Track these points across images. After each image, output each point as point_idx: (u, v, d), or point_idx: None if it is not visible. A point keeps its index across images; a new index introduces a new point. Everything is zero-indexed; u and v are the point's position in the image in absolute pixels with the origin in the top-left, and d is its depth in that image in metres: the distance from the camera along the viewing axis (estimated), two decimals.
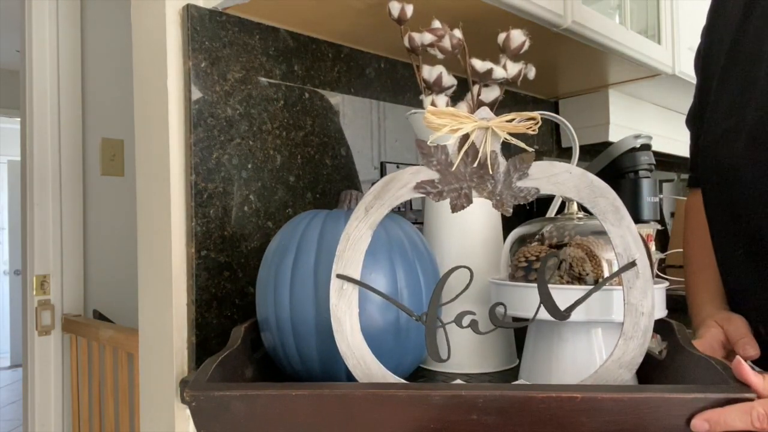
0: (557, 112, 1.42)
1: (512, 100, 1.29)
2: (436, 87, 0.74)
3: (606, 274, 0.59)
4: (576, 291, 0.54)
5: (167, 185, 0.75)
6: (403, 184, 0.51)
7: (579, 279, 0.59)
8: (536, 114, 0.51)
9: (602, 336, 0.60)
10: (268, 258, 0.62)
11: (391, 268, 0.58)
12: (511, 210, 0.51)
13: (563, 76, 1.24)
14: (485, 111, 0.52)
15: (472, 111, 0.73)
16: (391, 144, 1.01)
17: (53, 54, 1.60)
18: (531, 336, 0.65)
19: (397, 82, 1.02)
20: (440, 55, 0.74)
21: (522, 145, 0.51)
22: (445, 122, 0.49)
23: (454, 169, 0.50)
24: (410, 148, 1.05)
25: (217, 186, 0.77)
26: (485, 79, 0.74)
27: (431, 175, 0.51)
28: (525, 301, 0.58)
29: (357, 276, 0.50)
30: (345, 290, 0.50)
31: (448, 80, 0.74)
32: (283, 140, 0.85)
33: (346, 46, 0.94)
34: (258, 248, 0.80)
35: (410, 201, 1.04)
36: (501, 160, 0.51)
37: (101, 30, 1.77)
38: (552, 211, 0.81)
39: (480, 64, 0.73)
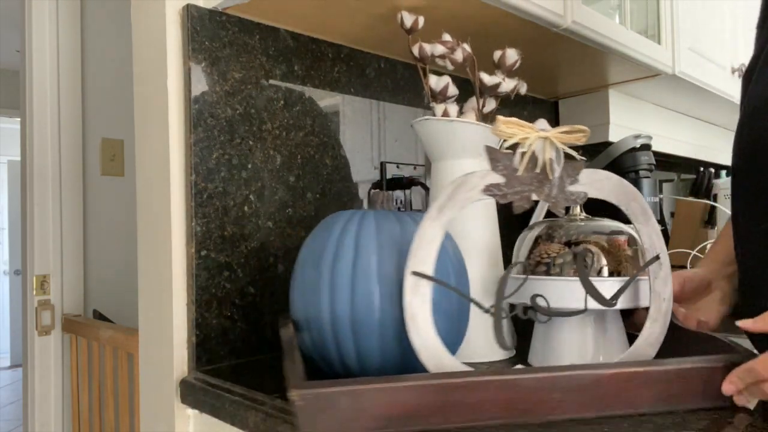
0: (557, 112, 1.42)
1: (512, 100, 1.29)
2: (441, 96, 0.77)
3: (624, 266, 0.67)
4: (605, 282, 0.62)
5: (167, 185, 0.75)
6: (472, 187, 0.55)
7: (597, 272, 0.66)
8: (586, 128, 0.57)
9: (594, 322, 0.67)
10: (313, 259, 0.60)
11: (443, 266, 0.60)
12: (563, 211, 0.58)
13: (563, 76, 1.24)
14: (543, 123, 0.60)
15: (479, 119, 0.77)
16: (391, 144, 1.01)
17: (53, 54, 1.60)
18: (540, 325, 0.69)
19: (397, 82, 1.02)
20: (450, 67, 0.78)
21: (574, 154, 0.57)
22: (514, 132, 0.56)
23: (519, 174, 0.56)
24: (410, 148, 1.05)
25: (217, 186, 0.77)
26: (492, 92, 0.78)
27: (498, 179, 0.55)
28: (557, 292, 0.63)
29: (430, 273, 0.53)
30: (419, 287, 0.53)
31: (453, 90, 0.77)
32: (283, 140, 0.85)
33: (346, 46, 0.94)
34: (258, 248, 0.80)
35: (410, 202, 1.04)
36: (556, 166, 0.57)
37: (101, 30, 1.77)
38: (539, 215, 0.83)
39: (488, 78, 0.78)
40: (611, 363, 0.55)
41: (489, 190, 0.56)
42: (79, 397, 1.51)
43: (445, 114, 0.76)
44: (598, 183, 0.58)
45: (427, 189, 1.05)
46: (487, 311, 0.56)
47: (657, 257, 0.59)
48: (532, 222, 0.80)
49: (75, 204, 1.63)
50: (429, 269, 0.54)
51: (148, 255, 0.79)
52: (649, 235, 0.59)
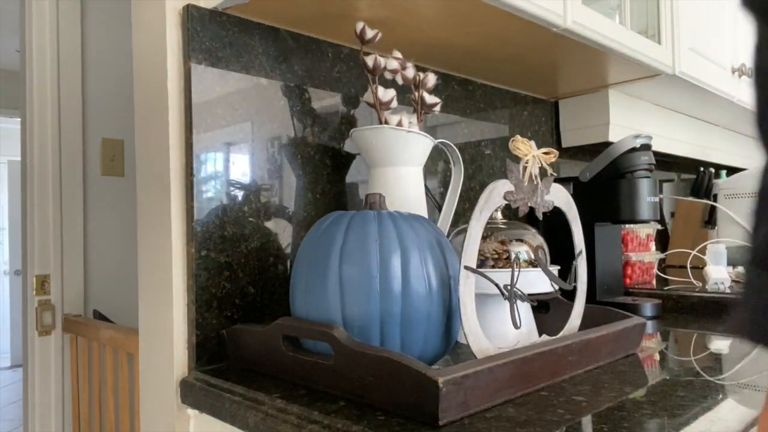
0: (557, 112, 1.42)
1: (512, 100, 1.29)
2: (385, 106, 0.84)
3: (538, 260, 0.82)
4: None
5: (167, 185, 0.75)
6: (499, 192, 0.65)
7: (530, 263, 0.80)
8: (555, 151, 0.74)
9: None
10: (352, 258, 0.62)
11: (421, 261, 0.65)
12: (542, 215, 0.71)
13: (563, 76, 1.24)
14: (533, 144, 0.71)
15: (420, 128, 0.84)
16: None
17: (53, 55, 1.60)
18: (479, 308, 0.79)
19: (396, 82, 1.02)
20: (400, 81, 0.85)
21: (549, 170, 0.72)
22: (525, 150, 0.70)
23: (525, 184, 0.68)
24: None
25: (217, 186, 0.77)
26: (428, 109, 0.88)
27: (510, 187, 0.67)
28: (528, 281, 0.78)
29: (474, 266, 0.61)
30: (469, 279, 0.61)
31: (395, 103, 0.85)
32: (283, 140, 0.85)
33: (346, 47, 0.94)
34: (258, 248, 0.80)
35: None
36: (540, 180, 0.70)
37: (102, 30, 1.77)
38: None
39: (428, 98, 0.87)
40: (592, 329, 0.72)
41: (507, 196, 0.67)
42: (79, 397, 1.51)
43: (400, 124, 0.82)
44: (557, 193, 0.74)
45: (427, 189, 1.05)
46: (506, 298, 0.68)
47: (581, 251, 0.77)
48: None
49: (75, 204, 1.63)
50: (474, 264, 0.62)
51: (148, 255, 0.79)
52: (578, 233, 0.77)
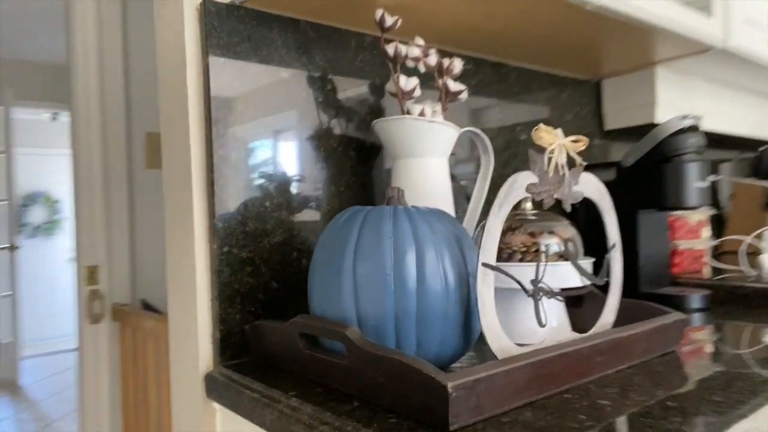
0: (599, 93, 1.35)
1: (550, 82, 1.24)
2: (407, 96, 0.81)
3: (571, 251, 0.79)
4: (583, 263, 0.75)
5: (189, 182, 0.75)
6: (520, 185, 0.63)
7: (560, 257, 0.77)
8: (586, 138, 0.70)
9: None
10: (366, 255, 0.61)
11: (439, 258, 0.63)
12: (570, 207, 0.68)
13: (605, 55, 1.17)
14: (560, 132, 0.67)
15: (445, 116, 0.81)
16: None
17: (97, 52, 1.65)
18: (503, 303, 0.77)
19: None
20: (422, 69, 0.83)
21: (578, 159, 0.68)
22: (550, 139, 0.66)
23: (550, 175, 0.65)
24: None
25: (238, 182, 0.77)
26: (453, 97, 0.84)
27: (534, 179, 0.64)
28: (556, 275, 0.74)
29: (493, 263, 0.60)
30: (487, 276, 0.59)
31: (418, 91, 0.83)
32: (305, 133, 0.84)
33: (369, 35, 0.92)
34: (281, 243, 0.80)
35: None
36: (567, 170, 0.67)
37: (143, 26, 1.81)
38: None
39: (453, 85, 0.83)
40: (624, 327, 0.68)
41: (529, 188, 0.64)
42: (127, 384, 1.57)
43: (422, 114, 0.80)
44: (587, 184, 0.71)
45: (457, 179, 1.02)
46: (530, 295, 0.65)
47: (614, 244, 0.74)
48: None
49: (121, 196, 1.69)
50: (493, 260, 0.60)
51: (174, 250, 0.80)
52: (611, 225, 0.74)
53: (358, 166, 0.89)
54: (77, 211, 1.64)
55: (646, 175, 1.12)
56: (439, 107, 0.83)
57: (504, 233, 0.82)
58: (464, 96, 0.86)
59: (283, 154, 0.81)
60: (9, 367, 4.07)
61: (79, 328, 1.64)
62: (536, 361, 0.55)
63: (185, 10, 0.75)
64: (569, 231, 0.83)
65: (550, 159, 0.66)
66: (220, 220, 0.75)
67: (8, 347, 4.08)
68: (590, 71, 1.30)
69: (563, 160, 0.68)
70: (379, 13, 0.78)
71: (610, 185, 1.17)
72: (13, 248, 4.14)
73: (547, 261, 0.77)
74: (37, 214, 5.18)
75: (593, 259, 0.80)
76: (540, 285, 0.67)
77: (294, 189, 0.82)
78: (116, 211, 1.67)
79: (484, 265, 0.60)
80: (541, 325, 0.64)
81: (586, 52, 1.13)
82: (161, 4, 0.80)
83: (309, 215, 0.83)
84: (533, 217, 0.84)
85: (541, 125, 0.66)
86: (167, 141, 0.81)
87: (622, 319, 0.74)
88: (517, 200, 0.64)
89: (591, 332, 0.73)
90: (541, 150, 0.66)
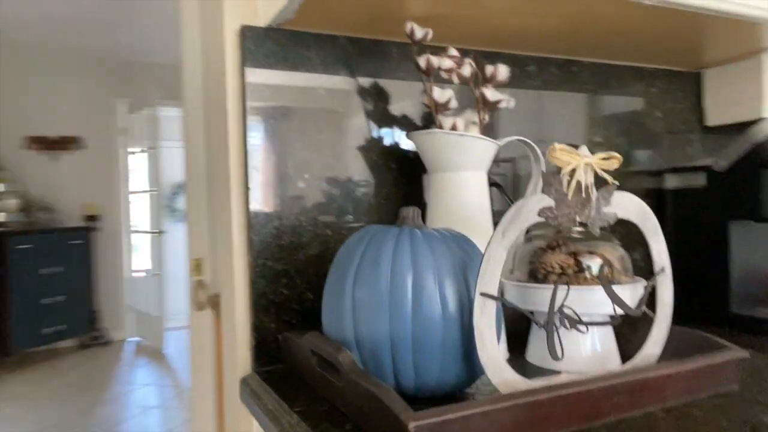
0: (699, 85, 1.21)
1: (635, 76, 1.13)
2: (442, 108, 0.78)
3: (617, 275, 0.74)
4: (620, 290, 0.68)
5: (228, 199, 0.80)
6: (530, 209, 0.59)
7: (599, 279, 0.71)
8: (619, 156, 0.65)
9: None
10: (364, 278, 0.61)
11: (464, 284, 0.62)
12: (598, 231, 0.62)
13: (706, 42, 1.03)
14: (584, 149, 0.63)
15: (482, 132, 0.76)
16: None
17: (200, 50, 1.78)
18: (536, 327, 0.77)
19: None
20: (456, 80, 0.79)
21: (609, 178, 0.63)
22: (569, 159, 0.62)
23: (569, 198, 0.61)
24: None
25: (274, 198, 0.80)
26: (492, 107, 0.80)
27: (550, 203, 0.60)
28: (580, 300, 0.68)
29: (495, 293, 0.57)
30: (487, 306, 0.57)
31: (454, 103, 0.79)
32: (342, 147, 0.85)
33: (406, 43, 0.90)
34: (316, 255, 0.83)
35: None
36: (595, 190, 0.62)
37: None
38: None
39: (491, 94, 0.79)
40: (651, 366, 0.63)
41: (543, 212, 0.60)
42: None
43: (454, 127, 0.77)
44: (624, 204, 0.64)
45: (500, 187, 0.98)
46: (542, 326, 0.61)
47: (663, 269, 0.67)
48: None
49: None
50: (494, 290, 0.57)
51: (221, 260, 0.86)
52: (657, 249, 0.67)
53: (399, 178, 0.89)
54: (188, 205, 1.80)
55: (743, 180, 0.99)
56: (477, 118, 0.80)
57: (543, 251, 0.78)
58: (509, 104, 0.82)
59: (320, 169, 0.83)
60: (156, 338, 4.61)
61: (189, 313, 1.82)
62: (525, 403, 0.52)
63: (225, 35, 0.79)
64: (617, 251, 0.76)
65: (570, 180, 0.61)
66: (256, 234, 0.79)
67: (156, 320, 4.61)
68: (690, 61, 1.16)
69: (589, 179, 0.63)
70: (408, 26, 0.77)
71: (698, 192, 1.06)
72: (160, 233, 4.66)
73: (579, 284, 0.72)
74: (182, 201, 5.76)
75: (644, 283, 0.73)
76: (563, 312, 0.63)
77: (331, 203, 0.84)
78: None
79: (484, 295, 0.57)
80: (555, 358, 0.60)
81: (679, 40, 1.01)
82: (208, 28, 0.86)
83: (346, 228, 0.85)
84: (578, 236, 0.79)
85: (555, 144, 0.62)
86: (213, 161, 0.86)
87: (674, 350, 0.67)
88: (526, 226, 0.60)
89: (629, 365, 0.67)
90: (557, 170, 0.61)
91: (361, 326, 0.60)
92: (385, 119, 0.88)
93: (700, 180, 1.05)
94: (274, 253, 0.80)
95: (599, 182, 0.63)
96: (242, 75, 0.78)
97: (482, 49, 0.95)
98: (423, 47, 0.79)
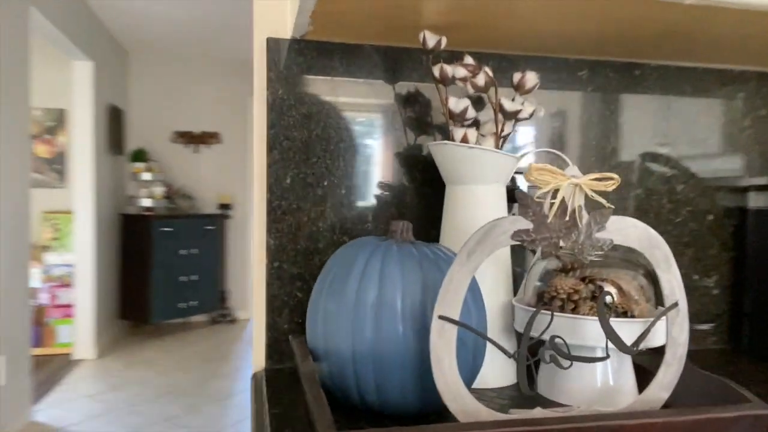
0: None
1: (715, 80, 1.00)
2: (459, 118, 0.75)
3: (634, 306, 0.68)
4: (623, 324, 0.64)
5: (250, 202, 0.85)
6: (502, 232, 0.56)
7: (610, 309, 0.66)
8: (616, 176, 0.59)
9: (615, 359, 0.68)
10: (334, 290, 0.62)
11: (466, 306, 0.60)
12: (589, 259, 0.58)
13: None
14: (574, 169, 0.59)
15: (497, 143, 0.72)
16: None
17: None
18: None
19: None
20: (471, 90, 0.76)
21: (603, 201, 0.58)
22: (548, 179, 0.58)
23: (549, 221, 0.57)
24: None
25: (291, 204, 0.83)
26: (511, 117, 0.75)
27: (527, 225, 0.57)
28: (578, 331, 0.65)
29: (456, 317, 0.55)
30: (446, 330, 0.55)
31: (472, 112, 0.75)
32: (365, 155, 0.86)
33: (445, 50, 0.88)
34: None
35: None
36: (584, 213, 0.58)
37: None
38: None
39: (509, 104, 0.75)
40: (640, 411, 0.57)
41: (518, 235, 0.57)
42: None
43: (465, 139, 0.74)
44: (625, 230, 0.59)
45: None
46: (511, 356, 0.56)
47: (675, 304, 0.60)
48: None
49: None
50: (455, 313, 0.55)
51: (239, 263, 0.91)
52: (669, 282, 0.60)
53: (423, 188, 0.88)
54: None
55: None
56: (506, 127, 0.77)
57: (555, 274, 0.73)
58: (538, 113, 0.78)
59: (339, 177, 0.85)
60: None
61: None
62: None
63: (255, 45, 0.83)
64: (636, 280, 0.69)
65: (553, 203, 0.57)
66: (273, 238, 0.82)
67: None
68: None
69: (579, 201, 0.58)
70: (421, 35, 0.75)
71: None
72: None
73: (586, 312, 0.66)
74: None
75: (658, 320, 0.64)
76: (554, 343, 0.59)
77: (349, 211, 0.85)
78: None
79: (442, 318, 0.55)
80: (525, 391, 0.56)
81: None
82: (255, 34, 0.90)
83: (364, 236, 0.86)
84: (598, 259, 0.72)
85: (532, 164, 0.57)
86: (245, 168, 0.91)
87: (695, 397, 0.62)
88: (496, 249, 0.57)
89: (626, 407, 0.60)
90: (535, 190, 0.57)
91: (327, 339, 0.61)
92: (410, 127, 0.88)
93: None
94: (290, 257, 0.83)
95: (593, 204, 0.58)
96: (266, 86, 0.82)
97: (526, 54, 0.91)
98: (438, 55, 0.77)
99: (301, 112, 0.83)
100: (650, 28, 0.81)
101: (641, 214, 0.96)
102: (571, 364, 0.62)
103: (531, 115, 0.77)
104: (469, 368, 0.61)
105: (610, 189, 0.58)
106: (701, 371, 0.64)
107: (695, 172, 0.98)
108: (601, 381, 0.69)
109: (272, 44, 0.82)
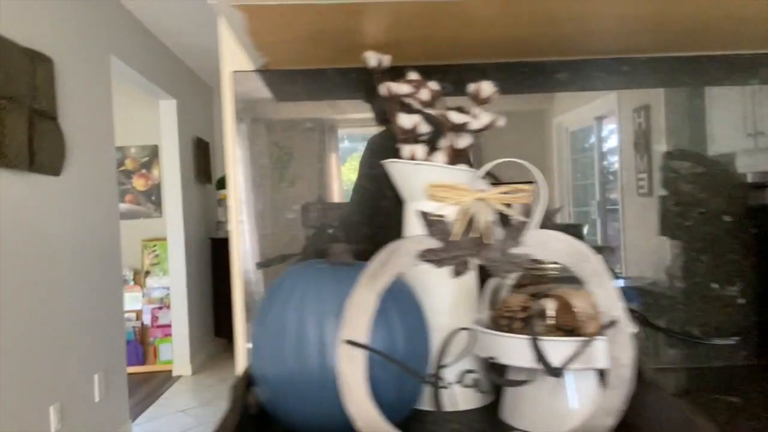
0: None
1: (740, 73, 0.91)
2: (411, 134, 0.74)
3: (589, 324, 0.61)
4: (563, 343, 0.57)
5: (234, 224, 0.89)
6: (406, 252, 0.56)
7: (558, 328, 0.61)
8: (528, 186, 0.58)
9: (575, 380, 0.61)
10: (260, 315, 0.64)
11: (388, 327, 0.59)
12: (508, 275, 0.58)
13: None
14: (482, 183, 0.60)
15: (450, 160, 0.70)
16: None
17: None
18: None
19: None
20: (418, 105, 0.75)
21: (515, 215, 0.58)
22: (448, 195, 0.57)
23: (458, 239, 0.56)
24: None
25: (265, 225, 0.86)
26: (461, 129, 0.73)
27: (433, 244, 0.56)
28: (514, 350, 0.60)
29: (364, 340, 0.54)
30: (353, 355, 0.54)
31: (424, 128, 0.74)
32: (333, 176, 0.87)
33: (411, 65, 0.87)
34: None
35: None
36: (497, 228, 0.56)
37: None
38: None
39: (455, 117, 0.73)
40: None
41: (424, 255, 0.56)
42: None
43: (413, 156, 0.72)
44: (546, 244, 0.56)
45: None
46: (423, 381, 0.55)
47: (613, 322, 0.56)
48: None
49: None
50: (363, 337, 0.54)
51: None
52: (605, 298, 0.56)
53: (398, 206, 0.87)
54: None
55: None
56: (464, 141, 0.75)
57: (513, 289, 0.69)
58: (495, 122, 0.75)
59: (311, 197, 0.87)
60: None
61: None
62: None
63: (224, 78, 0.88)
64: (586, 298, 0.64)
65: (458, 219, 0.54)
66: (241, 258, 0.85)
67: None
68: None
69: (488, 217, 0.55)
70: (364, 57, 0.76)
71: None
72: None
73: (515, 330, 0.62)
74: None
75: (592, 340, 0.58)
76: (489, 363, 0.56)
77: (321, 232, 0.87)
78: None
79: (348, 342, 0.55)
80: (438, 410, 0.54)
81: None
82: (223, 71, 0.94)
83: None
84: (554, 272, 0.69)
85: (431, 183, 0.55)
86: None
87: (654, 424, 0.58)
88: (401, 270, 0.55)
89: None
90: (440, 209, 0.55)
91: (257, 360, 0.63)
92: (377, 146, 0.88)
93: None
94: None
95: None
96: (233, 111, 0.86)
97: (497, 61, 0.88)
98: (385, 74, 0.77)
99: (270, 138, 0.86)
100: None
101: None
102: (500, 388, 0.59)
103: (488, 126, 0.75)
104: (397, 390, 0.60)
105: (519, 202, 0.55)
106: (664, 394, 0.58)
107: (706, 170, 0.90)
108: (569, 404, 0.62)
109: (238, 77, 0.85)
